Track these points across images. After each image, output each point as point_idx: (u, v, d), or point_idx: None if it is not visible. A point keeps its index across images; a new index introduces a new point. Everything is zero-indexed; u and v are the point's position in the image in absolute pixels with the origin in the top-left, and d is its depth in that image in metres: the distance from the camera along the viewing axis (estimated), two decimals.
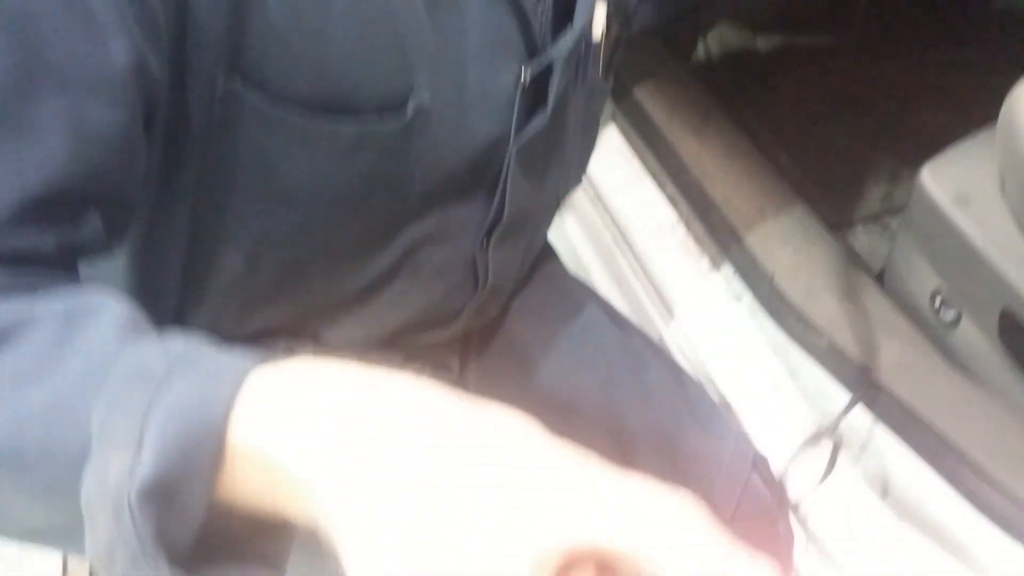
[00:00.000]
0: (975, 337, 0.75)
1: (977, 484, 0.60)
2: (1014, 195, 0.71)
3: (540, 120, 0.56)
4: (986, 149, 0.76)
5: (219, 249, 0.57)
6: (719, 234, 0.93)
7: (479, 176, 0.62)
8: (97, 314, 0.35)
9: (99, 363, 0.33)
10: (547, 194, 0.69)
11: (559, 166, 0.68)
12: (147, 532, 0.30)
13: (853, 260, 0.87)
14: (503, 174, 0.62)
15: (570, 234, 1.13)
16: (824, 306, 0.81)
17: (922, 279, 0.80)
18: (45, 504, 0.34)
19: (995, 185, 0.74)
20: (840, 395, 0.79)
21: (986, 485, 0.59)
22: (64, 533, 0.35)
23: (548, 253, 0.88)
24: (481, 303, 0.69)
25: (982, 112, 0.77)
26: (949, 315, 0.78)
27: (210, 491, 0.32)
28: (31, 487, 0.34)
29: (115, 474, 0.30)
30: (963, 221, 0.73)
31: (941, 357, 0.74)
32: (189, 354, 0.33)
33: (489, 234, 0.67)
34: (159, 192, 0.50)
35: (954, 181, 0.75)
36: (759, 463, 0.73)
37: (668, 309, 0.98)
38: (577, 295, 0.85)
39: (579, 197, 1.12)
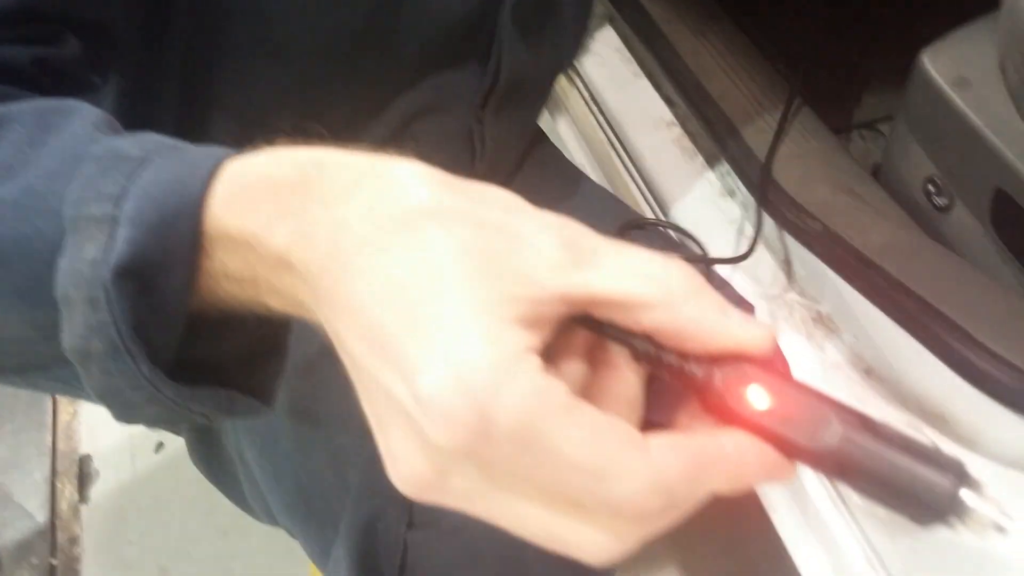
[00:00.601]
0: (967, 221, 0.76)
1: (962, 350, 0.61)
2: (1013, 77, 0.71)
3: None
4: (986, 34, 0.75)
5: (211, 116, 0.57)
6: (715, 129, 0.93)
7: (472, 39, 0.61)
8: (72, 114, 0.35)
9: (73, 155, 0.32)
10: (543, 61, 0.69)
11: (554, 32, 0.67)
12: (124, 319, 0.30)
13: (847, 153, 0.87)
14: (497, 36, 0.61)
15: (564, 136, 1.13)
16: (818, 195, 0.81)
17: (917, 167, 0.80)
18: (21, 304, 0.33)
19: (995, 68, 0.74)
20: (834, 279, 0.79)
21: (970, 350, 0.60)
22: (43, 340, 0.33)
23: (543, 138, 0.88)
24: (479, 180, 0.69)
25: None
26: (942, 202, 0.78)
27: (189, 278, 0.31)
28: (6, 285, 0.33)
29: (90, 258, 0.30)
30: (962, 102, 0.72)
31: (930, 238, 0.75)
32: (165, 143, 0.32)
33: (485, 104, 0.66)
34: (146, 44, 0.49)
35: (954, 64, 0.75)
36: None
37: (662, 207, 0.97)
38: (574, 177, 0.85)
39: (574, 99, 1.11)
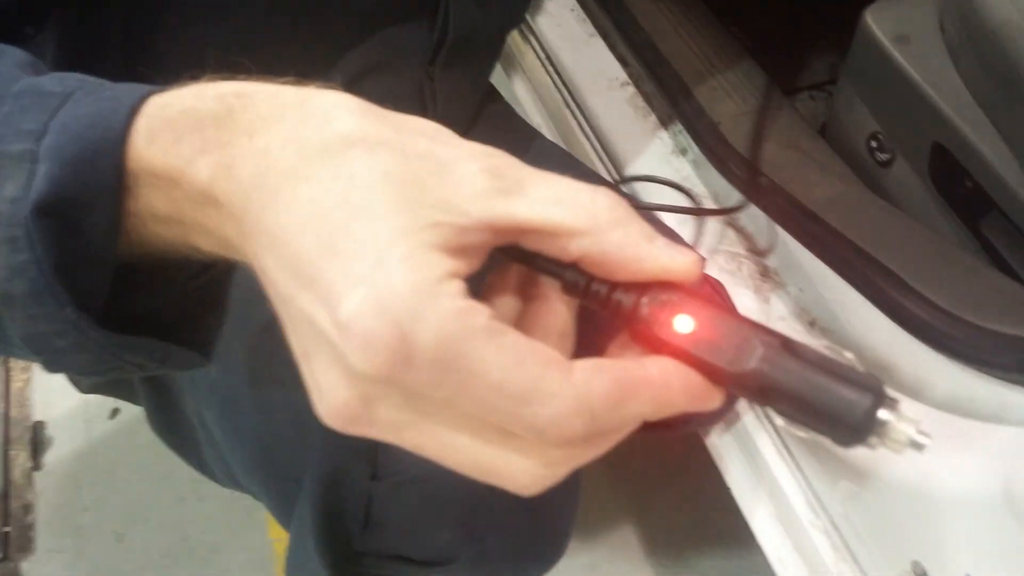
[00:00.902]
0: (908, 175, 0.77)
1: (898, 297, 0.63)
2: (951, 34, 0.72)
3: None
4: None
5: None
6: (668, 88, 0.94)
7: None
8: None
9: None
10: (492, 15, 0.69)
11: None
12: (47, 259, 0.29)
13: (795, 112, 0.89)
14: None
15: (520, 95, 1.13)
16: (765, 151, 0.83)
17: (860, 123, 0.82)
18: None
19: (935, 25, 0.75)
20: (780, 233, 0.81)
21: (905, 297, 0.62)
22: None
23: (496, 96, 0.88)
24: None
25: None
26: (884, 157, 0.80)
27: (114, 217, 0.30)
28: None
29: (10, 196, 0.29)
30: (902, 58, 0.74)
31: (873, 193, 0.77)
32: (88, 81, 0.32)
33: (434, 60, 0.66)
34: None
35: (895, 21, 0.76)
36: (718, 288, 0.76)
37: (616, 166, 0.98)
38: (528, 134, 0.85)
39: (530, 58, 1.11)
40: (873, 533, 0.67)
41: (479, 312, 0.26)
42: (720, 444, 0.85)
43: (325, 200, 0.26)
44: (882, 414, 0.28)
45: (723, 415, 0.83)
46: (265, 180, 0.27)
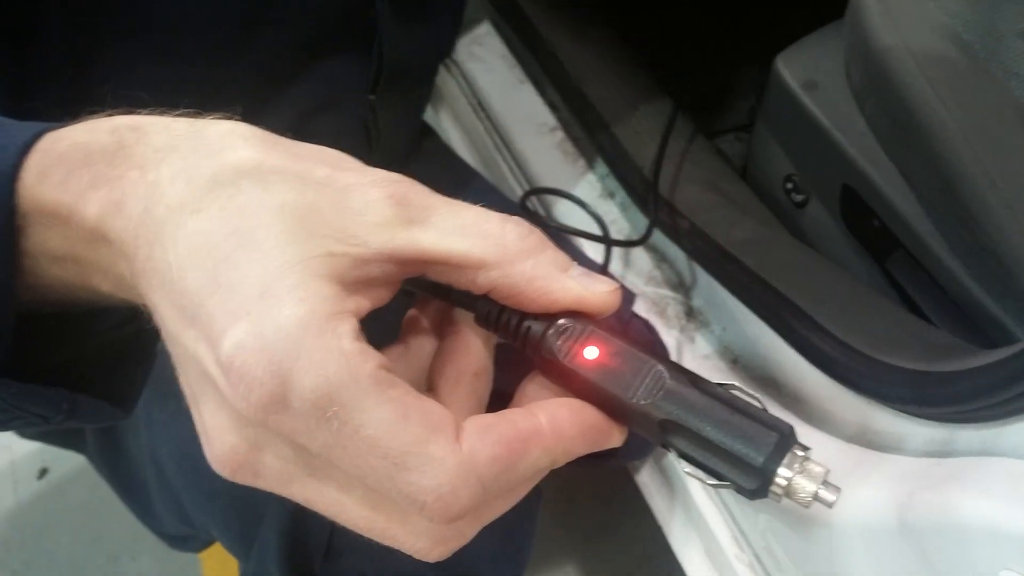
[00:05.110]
0: (821, 216, 0.80)
1: (810, 336, 0.64)
2: (856, 79, 0.75)
3: None
4: (835, 38, 0.80)
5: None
6: (594, 133, 0.96)
7: (352, 27, 0.62)
8: None
9: None
10: (422, 47, 0.70)
11: (430, 16, 0.69)
12: None
13: (718, 155, 0.91)
14: (377, 22, 0.63)
15: (452, 140, 1.14)
16: (688, 194, 0.85)
17: (776, 165, 0.84)
18: None
19: (841, 71, 0.78)
20: (701, 273, 0.83)
21: (816, 335, 0.64)
22: None
23: (431, 132, 0.90)
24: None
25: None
26: (799, 198, 0.82)
27: (6, 257, 0.29)
28: None
29: None
30: (811, 103, 0.77)
31: (789, 233, 0.79)
32: None
33: (374, 90, 0.67)
34: (19, 38, 0.47)
35: (804, 68, 0.79)
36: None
37: (546, 209, 1.00)
38: (463, 171, 0.87)
39: (462, 104, 1.13)
40: (792, 564, 0.68)
41: (368, 358, 0.24)
42: (650, 482, 0.86)
43: (213, 233, 0.24)
44: (786, 466, 0.26)
45: (650, 450, 0.84)
46: (152, 215, 0.26)
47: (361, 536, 0.65)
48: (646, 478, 0.86)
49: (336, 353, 0.23)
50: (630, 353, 0.28)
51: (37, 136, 0.29)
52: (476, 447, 0.25)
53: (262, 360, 0.23)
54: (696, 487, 0.79)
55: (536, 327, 0.29)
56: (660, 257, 0.89)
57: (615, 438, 0.29)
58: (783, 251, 0.74)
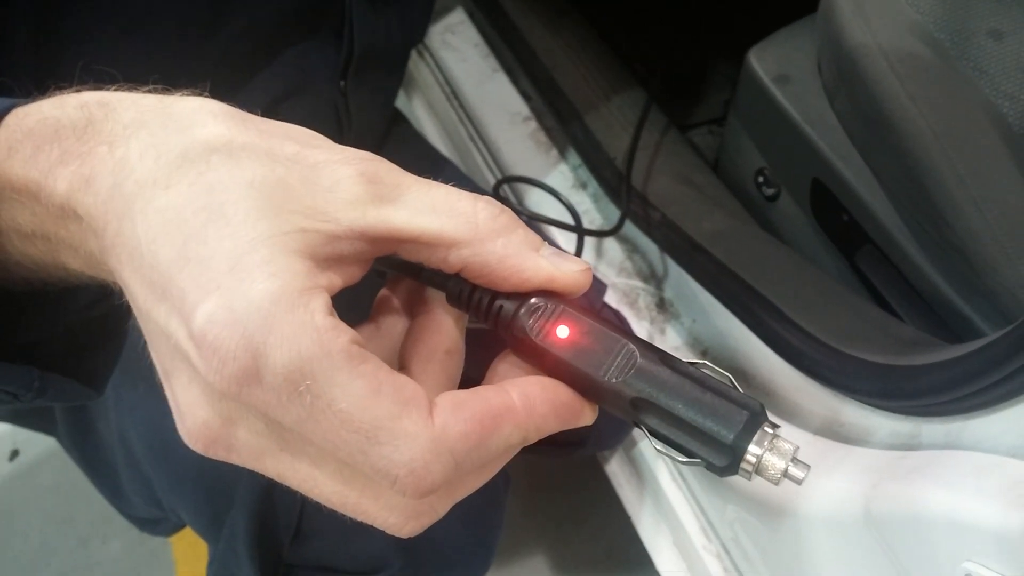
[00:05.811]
0: (792, 209, 0.81)
1: (777, 328, 0.65)
2: (827, 74, 0.76)
3: None
4: (806, 33, 0.81)
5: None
6: (567, 123, 0.96)
7: (324, 10, 0.62)
8: None
9: None
10: (393, 31, 0.70)
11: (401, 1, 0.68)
12: None
13: (691, 147, 0.92)
14: (347, 6, 0.62)
15: (425, 129, 1.14)
16: (659, 185, 0.85)
17: (748, 159, 0.85)
18: None
19: (813, 65, 0.79)
20: (672, 265, 0.83)
21: (783, 327, 0.64)
22: None
23: (403, 119, 0.90)
24: None
25: None
26: (770, 191, 0.83)
27: None
28: None
29: None
30: (782, 97, 0.77)
31: (759, 226, 0.80)
32: None
33: (344, 75, 0.67)
34: None
35: (776, 62, 0.80)
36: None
37: (518, 198, 1.00)
38: (435, 158, 0.87)
39: (435, 93, 1.13)
40: (759, 554, 0.69)
41: (340, 332, 0.24)
42: (619, 472, 0.86)
43: (182, 208, 0.24)
44: (756, 444, 0.27)
45: (619, 439, 0.85)
46: (122, 190, 0.25)
47: (329, 520, 0.65)
48: (615, 468, 0.87)
49: (308, 328, 0.23)
50: (601, 332, 0.28)
51: (5, 112, 0.28)
52: (448, 422, 0.25)
53: (234, 334, 0.23)
54: (665, 478, 0.80)
55: (508, 306, 0.29)
56: (632, 248, 0.89)
57: (586, 416, 0.29)
58: (753, 244, 0.75)
